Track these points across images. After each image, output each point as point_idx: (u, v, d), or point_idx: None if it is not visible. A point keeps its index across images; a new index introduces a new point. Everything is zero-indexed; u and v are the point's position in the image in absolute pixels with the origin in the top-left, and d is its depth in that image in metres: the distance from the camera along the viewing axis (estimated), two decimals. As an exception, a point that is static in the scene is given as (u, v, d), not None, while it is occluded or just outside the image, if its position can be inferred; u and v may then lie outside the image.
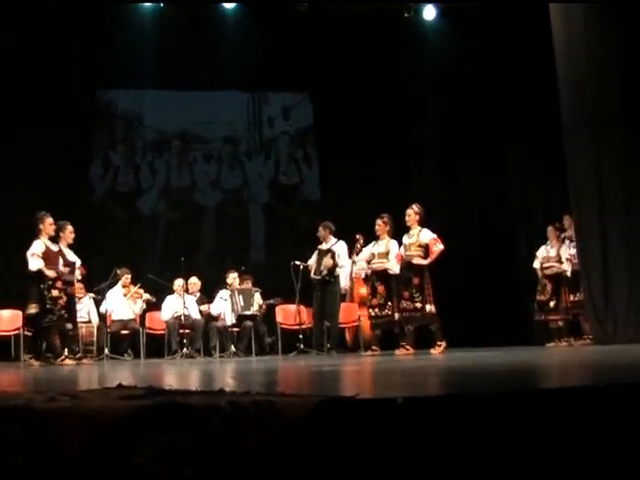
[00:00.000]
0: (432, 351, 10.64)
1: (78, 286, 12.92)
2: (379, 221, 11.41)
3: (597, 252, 11.09)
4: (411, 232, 11.20)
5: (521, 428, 2.55)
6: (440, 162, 14.96)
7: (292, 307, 12.83)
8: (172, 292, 13.29)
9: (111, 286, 13.17)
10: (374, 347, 11.22)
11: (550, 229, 12.54)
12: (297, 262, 12.51)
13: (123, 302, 13.27)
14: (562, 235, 12.56)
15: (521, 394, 2.81)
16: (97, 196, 15.16)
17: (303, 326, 12.59)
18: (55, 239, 10.94)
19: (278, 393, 2.75)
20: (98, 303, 13.29)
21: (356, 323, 13.01)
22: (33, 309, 10.49)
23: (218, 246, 15.24)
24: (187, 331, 13.15)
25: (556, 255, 12.36)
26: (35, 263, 10.44)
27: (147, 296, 13.29)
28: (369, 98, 14.88)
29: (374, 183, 14.78)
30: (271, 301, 13.38)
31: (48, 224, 10.76)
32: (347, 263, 12.97)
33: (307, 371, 6.43)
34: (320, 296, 12.39)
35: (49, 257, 10.57)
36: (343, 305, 12.99)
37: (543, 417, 2.59)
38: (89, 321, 13.20)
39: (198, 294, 13.79)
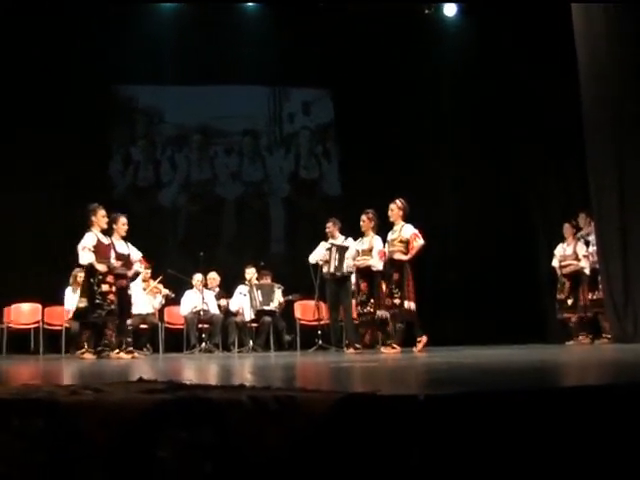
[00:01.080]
0: (383, 349, 10.73)
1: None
2: (364, 217, 11.32)
3: (617, 250, 11.04)
4: (394, 227, 11.10)
5: (541, 426, 2.54)
6: (459, 159, 14.91)
7: (311, 303, 12.81)
8: (191, 287, 13.31)
9: (131, 281, 13.19)
10: (357, 345, 11.10)
11: (566, 226, 12.54)
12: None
13: (142, 297, 13.28)
14: (578, 234, 12.51)
15: (542, 392, 2.80)
16: (118, 192, 15.20)
17: (322, 322, 12.56)
18: (108, 232, 10.77)
19: (299, 388, 2.75)
20: (118, 298, 13.32)
21: (374, 320, 12.98)
22: (82, 303, 10.35)
23: (238, 239, 15.27)
24: (206, 326, 13.18)
25: (573, 253, 12.35)
26: (86, 257, 10.27)
27: (166, 291, 13.31)
28: (389, 94, 14.86)
29: (393, 179, 14.73)
30: (290, 297, 13.38)
31: (101, 216, 10.57)
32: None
33: (326, 367, 6.43)
34: (336, 293, 12.35)
35: (100, 250, 10.37)
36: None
37: (564, 415, 2.58)
38: (108, 315, 13.23)
39: (217, 289, 13.81)
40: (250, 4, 15.31)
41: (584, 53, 11.50)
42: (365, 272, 11.10)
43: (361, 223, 11.28)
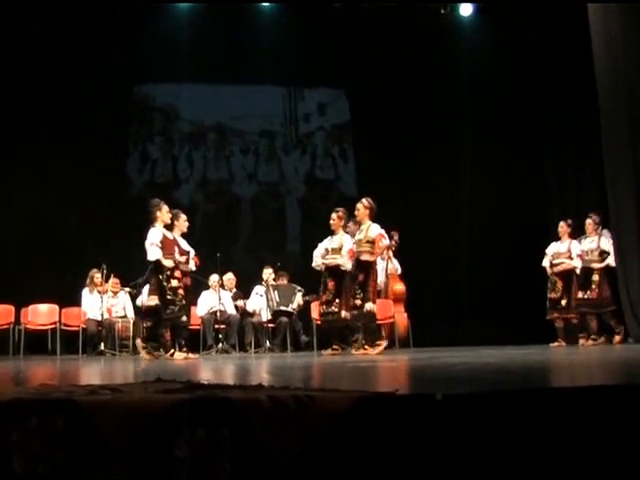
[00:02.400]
0: (353, 351, 10.50)
1: (114, 281, 13.03)
2: (334, 215, 11.00)
3: (634, 249, 11.02)
4: (361, 227, 10.92)
5: (558, 425, 2.54)
6: (476, 159, 14.86)
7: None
8: (208, 288, 13.32)
9: (147, 281, 13.22)
10: (335, 346, 11.00)
11: (561, 224, 12.36)
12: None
13: (159, 297, 13.31)
14: (596, 231, 12.42)
15: (559, 391, 2.80)
16: (135, 189, 15.24)
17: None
18: (169, 228, 10.51)
19: (317, 388, 2.75)
20: (134, 298, 13.34)
21: (391, 320, 12.96)
22: (153, 301, 10.09)
23: (254, 239, 15.29)
24: (222, 326, 13.18)
25: (567, 251, 12.16)
26: (154, 253, 10.02)
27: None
28: (405, 94, 14.84)
29: (410, 179, 14.72)
30: (307, 298, 13.37)
31: (165, 212, 10.33)
32: (381, 260, 12.92)
33: (343, 367, 6.43)
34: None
35: (166, 246, 10.17)
36: (378, 301, 12.92)
37: (581, 414, 2.58)
38: (125, 316, 13.26)
39: (234, 290, 13.82)
40: (266, 4, 15.33)
41: (600, 50, 11.47)
42: (334, 271, 10.80)
43: (331, 221, 10.96)
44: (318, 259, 11.18)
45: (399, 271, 13.37)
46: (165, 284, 10.02)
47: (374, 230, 10.70)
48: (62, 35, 13.76)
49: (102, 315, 12.70)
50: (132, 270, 13.17)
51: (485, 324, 12.07)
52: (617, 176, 11.36)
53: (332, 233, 10.98)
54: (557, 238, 12.39)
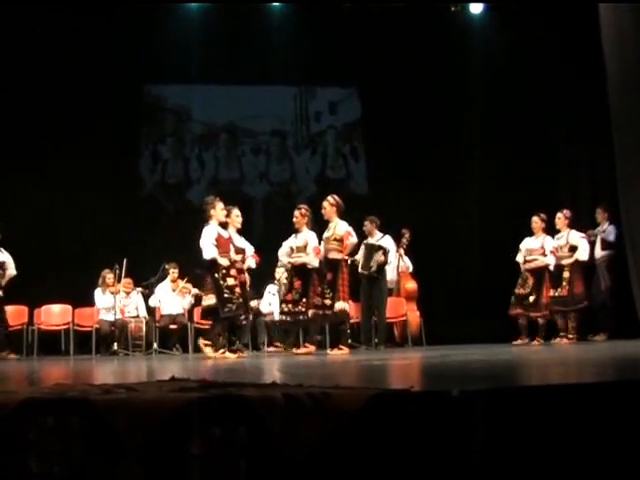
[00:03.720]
0: (329, 352, 10.41)
1: (126, 281, 13.05)
2: (297, 212, 10.85)
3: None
4: (329, 225, 10.76)
5: (575, 421, 2.53)
6: (487, 157, 14.83)
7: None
8: (220, 286, 13.31)
9: (160, 281, 13.24)
10: (277, 344, 10.88)
11: (535, 219, 11.95)
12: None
13: (172, 297, 13.32)
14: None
15: (574, 387, 2.79)
16: (147, 189, 15.27)
17: (352, 321, 12.51)
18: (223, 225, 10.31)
19: (332, 386, 2.75)
20: (146, 298, 13.36)
21: (404, 318, 12.95)
22: (211, 300, 9.88)
23: (265, 239, 15.23)
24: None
25: (540, 247, 11.80)
26: (210, 251, 9.83)
27: (195, 291, 13.31)
28: (416, 92, 14.80)
29: (421, 177, 14.70)
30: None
31: (219, 209, 10.13)
32: (394, 258, 12.89)
33: (357, 365, 6.43)
34: (368, 291, 12.31)
35: (221, 244, 9.99)
36: (391, 300, 12.93)
37: (598, 410, 2.57)
38: (138, 316, 13.28)
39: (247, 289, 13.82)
40: (276, 4, 15.33)
41: (611, 48, 11.45)
42: (300, 270, 10.65)
43: (294, 219, 10.82)
44: (284, 258, 11.15)
45: (411, 269, 13.35)
46: (221, 283, 9.83)
47: (342, 228, 10.61)
48: (73, 36, 13.77)
49: (115, 315, 12.71)
50: (144, 270, 13.21)
51: (498, 321, 12.01)
52: (628, 168, 11.34)
53: (296, 231, 10.88)
54: (531, 233, 12.05)
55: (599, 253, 12.38)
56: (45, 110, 13.71)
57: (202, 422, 2.39)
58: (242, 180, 15.68)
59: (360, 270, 12.14)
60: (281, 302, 11.02)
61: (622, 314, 12.00)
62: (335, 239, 10.55)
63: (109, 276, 12.93)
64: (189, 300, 13.38)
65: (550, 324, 11.80)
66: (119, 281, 12.82)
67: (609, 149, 11.82)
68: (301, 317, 10.52)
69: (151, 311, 13.33)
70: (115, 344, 12.56)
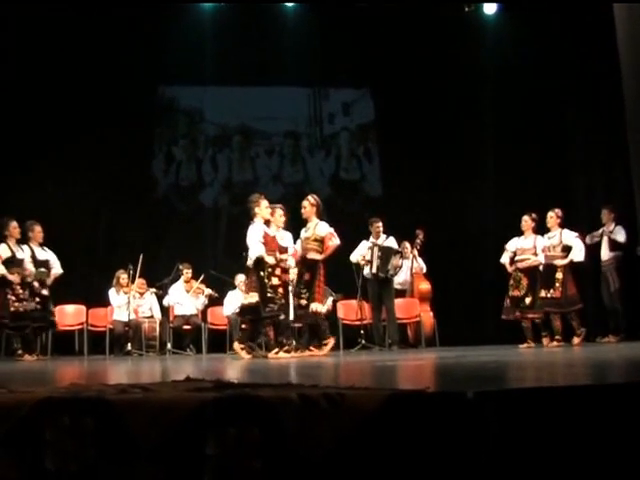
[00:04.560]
0: (314, 351, 10.34)
1: (140, 281, 13.08)
2: (280, 212, 10.66)
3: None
4: (308, 225, 10.69)
5: (592, 422, 2.53)
6: (501, 159, 14.80)
7: (353, 302, 12.77)
8: (234, 288, 13.33)
9: (173, 281, 13.26)
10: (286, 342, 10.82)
11: (525, 218, 11.70)
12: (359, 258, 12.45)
13: (185, 297, 13.35)
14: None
15: (590, 388, 2.79)
16: (160, 190, 15.30)
17: (365, 321, 12.51)
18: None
19: (347, 386, 2.74)
20: (160, 298, 13.39)
21: (417, 319, 12.96)
22: (253, 298, 9.80)
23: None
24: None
25: (532, 247, 11.54)
26: (257, 249, 9.75)
27: (209, 291, 13.34)
28: (430, 93, 14.78)
29: (435, 178, 14.70)
30: (334, 297, 13.34)
31: (264, 207, 10.14)
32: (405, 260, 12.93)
33: (372, 366, 6.42)
34: (377, 292, 12.32)
35: (267, 242, 9.91)
36: (404, 300, 12.96)
37: (614, 411, 2.57)
38: (151, 316, 13.31)
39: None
40: (289, 4, 15.34)
41: (626, 49, 11.39)
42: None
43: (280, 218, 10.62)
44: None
45: (424, 270, 13.36)
46: (266, 281, 9.75)
47: (323, 228, 10.55)
48: (87, 37, 13.81)
49: (129, 315, 12.74)
50: (158, 271, 13.24)
51: (513, 322, 11.96)
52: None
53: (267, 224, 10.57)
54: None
55: (607, 254, 12.28)
56: (60, 111, 13.76)
57: (217, 422, 2.40)
58: (255, 182, 15.67)
59: (374, 272, 12.14)
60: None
61: (633, 315, 11.95)
62: (315, 239, 10.49)
63: (123, 276, 12.97)
64: (203, 300, 13.42)
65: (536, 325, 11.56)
66: (133, 281, 12.85)
67: (624, 149, 11.78)
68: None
69: (165, 311, 13.36)
70: (129, 344, 12.60)
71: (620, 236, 12.18)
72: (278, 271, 9.88)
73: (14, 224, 11.19)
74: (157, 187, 15.33)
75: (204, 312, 13.49)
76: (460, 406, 2.48)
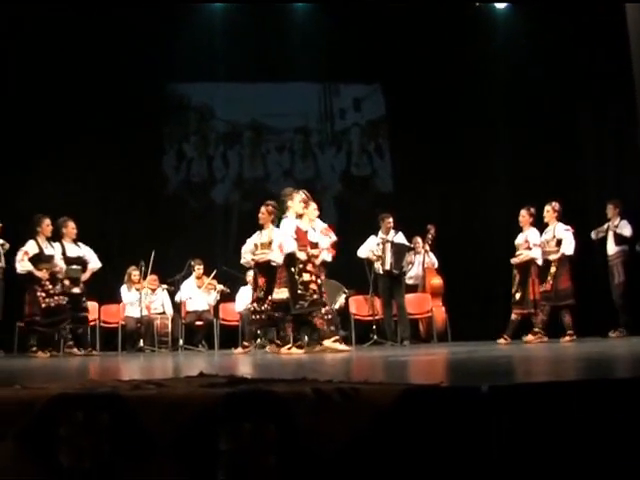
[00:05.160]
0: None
1: (152, 277, 13.09)
2: (263, 209, 10.68)
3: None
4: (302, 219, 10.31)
5: (607, 417, 2.52)
6: (513, 154, 14.77)
7: (365, 298, 12.76)
8: (246, 283, 13.32)
9: (185, 277, 13.27)
10: (245, 343, 10.76)
11: (522, 213, 11.65)
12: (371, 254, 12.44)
13: (197, 293, 13.36)
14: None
15: (607, 382, 2.78)
16: (171, 187, 15.32)
17: (376, 317, 12.51)
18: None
19: (362, 381, 2.74)
20: (172, 294, 13.41)
21: (429, 314, 12.95)
22: (283, 293, 9.74)
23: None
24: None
25: (524, 242, 11.51)
26: (290, 244, 9.69)
27: (221, 287, 13.36)
28: (441, 88, 14.74)
29: (446, 174, 14.66)
30: (346, 293, 13.32)
31: (297, 201, 10.05)
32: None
33: (385, 361, 6.42)
34: (389, 288, 12.32)
35: (300, 237, 9.82)
36: (416, 296, 12.96)
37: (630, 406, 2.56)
38: (163, 312, 13.33)
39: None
40: (300, 4, 15.33)
41: (637, 44, 11.35)
42: (264, 267, 10.45)
43: (260, 215, 10.65)
44: (247, 255, 10.94)
45: (436, 265, 13.35)
46: (297, 277, 9.65)
47: (318, 225, 10.41)
48: (97, 35, 13.82)
49: (141, 312, 12.75)
50: (170, 267, 13.25)
51: (524, 317, 11.92)
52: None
53: (261, 228, 10.73)
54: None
55: (613, 249, 12.21)
56: (70, 109, 13.78)
57: (231, 418, 2.40)
58: (266, 178, 15.68)
59: (387, 269, 12.14)
60: (251, 302, 10.74)
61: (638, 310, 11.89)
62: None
63: (135, 273, 12.99)
64: (214, 296, 13.44)
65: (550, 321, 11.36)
66: (145, 278, 12.86)
67: (635, 145, 11.73)
68: (264, 315, 10.34)
69: (177, 307, 13.38)
70: (141, 341, 12.61)
71: (626, 230, 12.11)
72: (309, 267, 9.76)
73: (47, 221, 11.20)
74: (168, 184, 15.35)
75: (216, 308, 13.50)
76: (475, 400, 2.47)
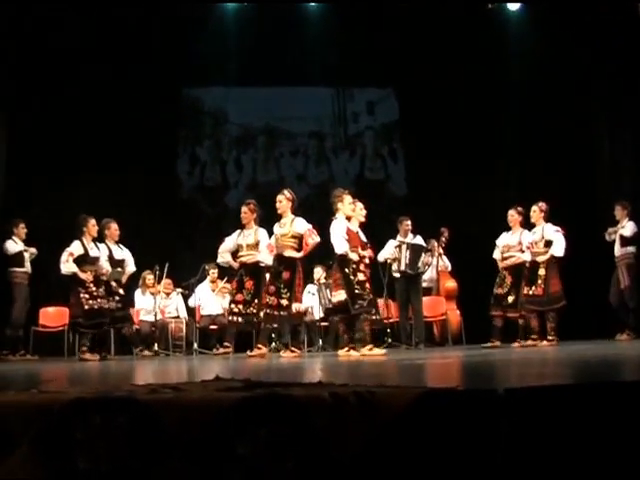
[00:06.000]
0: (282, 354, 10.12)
1: (166, 282, 13.10)
2: (244, 208, 10.56)
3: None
4: (282, 221, 10.26)
5: (626, 419, 2.51)
6: (527, 157, 14.73)
7: (380, 301, 12.74)
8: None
9: (200, 281, 13.26)
10: (226, 343, 10.64)
11: (511, 212, 11.56)
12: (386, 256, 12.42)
13: (212, 297, 13.37)
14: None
15: (625, 385, 2.77)
16: (185, 191, 15.35)
17: (391, 320, 12.51)
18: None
19: (378, 385, 2.74)
20: (186, 298, 13.42)
21: (444, 317, 12.93)
22: (341, 295, 9.52)
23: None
24: (275, 326, 13.16)
25: (518, 244, 11.36)
26: (342, 245, 9.50)
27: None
28: (454, 91, 14.73)
29: (460, 177, 14.63)
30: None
31: (347, 203, 9.87)
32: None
33: (400, 364, 6.42)
34: (405, 290, 12.30)
35: (351, 238, 9.67)
36: (430, 299, 12.94)
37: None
38: (178, 316, 13.35)
39: (286, 290, 13.84)
40: (313, 4, 15.34)
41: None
42: (252, 268, 10.37)
43: (242, 215, 10.52)
44: (226, 255, 10.81)
45: (449, 268, 13.34)
46: (352, 278, 9.47)
47: (301, 225, 10.20)
48: (111, 40, 13.85)
49: (155, 316, 12.76)
50: (184, 271, 13.26)
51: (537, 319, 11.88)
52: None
53: (243, 227, 10.62)
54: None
55: (619, 250, 12.12)
56: (83, 113, 13.83)
57: (248, 422, 2.40)
58: (280, 182, 15.64)
59: (402, 269, 12.12)
60: (231, 302, 10.59)
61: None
62: (293, 236, 10.12)
63: (149, 277, 13.00)
64: (229, 300, 13.42)
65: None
66: (159, 282, 12.87)
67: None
68: (254, 319, 10.26)
69: (191, 312, 13.38)
70: (156, 345, 12.61)
71: (626, 230, 12.01)
72: (362, 267, 9.63)
73: (93, 222, 11.08)
74: (182, 188, 15.39)
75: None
76: (491, 403, 2.47)
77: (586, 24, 14.18)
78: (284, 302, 9.94)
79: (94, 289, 10.85)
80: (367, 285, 9.54)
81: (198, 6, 14.78)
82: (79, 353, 10.74)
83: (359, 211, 10.06)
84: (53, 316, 13.18)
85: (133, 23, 13.84)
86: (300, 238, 10.11)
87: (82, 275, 10.73)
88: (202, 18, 14.70)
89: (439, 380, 4.20)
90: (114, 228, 11.53)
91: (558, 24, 14.38)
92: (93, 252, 11.03)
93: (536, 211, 11.28)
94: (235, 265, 10.69)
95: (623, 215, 12.16)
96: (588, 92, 14.61)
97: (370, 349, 9.19)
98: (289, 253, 10.06)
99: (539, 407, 2.50)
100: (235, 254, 10.70)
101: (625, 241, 12.02)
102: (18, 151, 13.52)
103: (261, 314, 10.13)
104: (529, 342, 10.81)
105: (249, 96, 15.63)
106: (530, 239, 11.23)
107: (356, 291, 9.40)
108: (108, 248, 11.35)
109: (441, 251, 13.08)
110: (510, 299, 11.24)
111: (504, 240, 11.60)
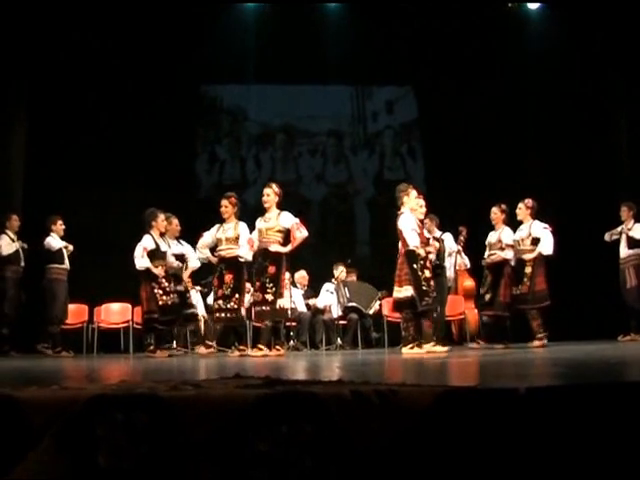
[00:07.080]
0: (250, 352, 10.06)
1: (186, 280, 13.11)
2: (225, 202, 10.47)
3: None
4: (267, 215, 10.18)
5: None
6: (546, 157, 14.70)
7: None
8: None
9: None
10: (208, 342, 10.67)
11: (493, 210, 11.38)
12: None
13: (229, 295, 13.37)
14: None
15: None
16: (204, 190, 15.37)
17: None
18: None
19: (399, 383, 2.74)
20: (205, 296, 13.41)
21: (462, 316, 12.90)
22: (407, 291, 9.41)
23: (323, 241, 15.21)
24: (293, 324, 13.18)
25: (498, 241, 11.15)
26: (414, 240, 9.41)
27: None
28: (473, 90, 14.71)
29: (478, 176, 14.61)
30: (378, 294, 13.31)
31: (413, 197, 9.79)
32: (453, 256, 12.84)
33: (419, 362, 6.41)
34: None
35: (419, 234, 9.62)
36: (449, 298, 12.88)
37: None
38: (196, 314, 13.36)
39: (305, 288, 13.83)
40: (332, 4, 15.35)
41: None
42: (231, 263, 10.21)
43: (223, 209, 10.42)
44: (205, 250, 10.74)
45: (468, 266, 13.29)
46: (419, 274, 9.39)
47: (287, 219, 10.08)
48: (129, 37, 13.90)
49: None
50: (203, 269, 13.27)
51: (555, 319, 11.84)
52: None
53: (223, 221, 10.51)
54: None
55: (625, 252, 12.04)
56: (102, 111, 13.88)
57: (269, 419, 2.40)
58: (299, 181, 15.69)
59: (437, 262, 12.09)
60: (214, 299, 10.55)
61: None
62: (278, 230, 10.03)
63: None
64: (248, 298, 13.42)
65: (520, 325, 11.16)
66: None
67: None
68: (235, 315, 10.19)
69: (209, 309, 13.39)
70: (174, 342, 12.62)
71: (636, 232, 11.96)
72: (428, 264, 9.60)
73: (162, 216, 11.01)
74: (200, 187, 15.41)
75: (249, 309, 13.49)
76: (513, 402, 2.46)
77: (606, 24, 14.13)
78: (269, 297, 9.85)
79: (166, 284, 10.77)
80: (432, 283, 9.51)
81: (217, 5, 14.81)
82: (146, 350, 10.61)
83: (418, 208, 10.04)
84: (116, 313, 13.30)
85: (152, 22, 13.88)
86: (286, 232, 10.01)
87: (155, 270, 10.63)
88: (221, 17, 14.74)
89: (458, 379, 4.20)
90: (175, 223, 11.56)
91: (578, 23, 14.34)
92: (163, 247, 10.97)
93: (522, 208, 11.16)
94: (214, 260, 10.60)
95: (629, 216, 12.10)
96: (609, 92, 14.56)
97: (433, 345, 9.18)
98: (275, 248, 9.95)
99: (561, 406, 2.49)
100: (214, 249, 10.62)
101: (634, 243, 11.95)
102: (38, 150, 13.58)
103: (242, 310, 10.16)
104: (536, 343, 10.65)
105: (268, 94, 15.65)
106: (511, 237, 11.06)
107: (423, 287, 9.36)
108: (167, 243, 11.25)
109: (460, 249, 13.04)
110: (487, 297, 11.11)
111: (488, 238, 11.43)
